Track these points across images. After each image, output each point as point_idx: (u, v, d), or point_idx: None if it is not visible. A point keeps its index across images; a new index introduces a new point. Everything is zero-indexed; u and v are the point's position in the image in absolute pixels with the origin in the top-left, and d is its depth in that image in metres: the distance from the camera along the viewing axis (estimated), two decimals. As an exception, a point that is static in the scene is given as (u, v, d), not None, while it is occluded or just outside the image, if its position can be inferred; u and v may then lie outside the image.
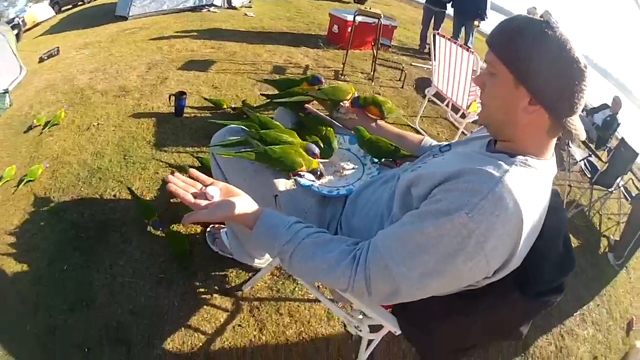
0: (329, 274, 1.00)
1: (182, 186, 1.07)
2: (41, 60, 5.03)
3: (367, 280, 0.95)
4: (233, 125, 1.61)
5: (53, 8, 7.97)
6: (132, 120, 3.19)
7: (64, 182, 2.47)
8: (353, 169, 1.67)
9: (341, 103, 1.81)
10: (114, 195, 2.38)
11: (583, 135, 1.00)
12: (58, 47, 5.29)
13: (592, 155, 4.77)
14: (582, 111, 4.58)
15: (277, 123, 1.68)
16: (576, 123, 0.97)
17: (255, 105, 3.56)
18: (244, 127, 1.58)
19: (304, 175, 1.53)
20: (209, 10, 7.75)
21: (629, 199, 4.51)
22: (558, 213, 1.12)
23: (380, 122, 1.77)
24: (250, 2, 9.32)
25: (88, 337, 1.69)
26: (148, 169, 2.63)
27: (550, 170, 1.04)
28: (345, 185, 1.55)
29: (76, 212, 2.25)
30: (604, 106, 6.58)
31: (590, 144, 5.90)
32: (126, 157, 2.72)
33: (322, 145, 1.67)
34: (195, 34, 5.98)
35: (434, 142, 1.62)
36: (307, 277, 1.26)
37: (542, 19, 0.94)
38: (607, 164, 4.40)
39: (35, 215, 2.23)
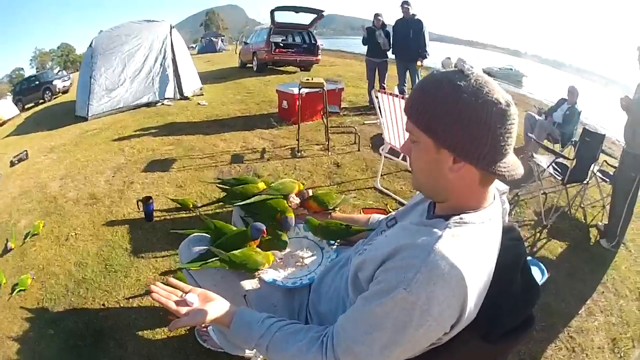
0: None
1: (164, 294, 1.17)
2: (12, 164, 5.40)
3: None
4: (194, 235, 1.74)
5: (16, 105, 8.37)
6: (106, 229, 3.49)
7: (53, 292, 2.71)
8: (312, 255, 1.75)
9: (291, 198, 1.92)
10: (103, 305, 2.58)
11: (519, 174, 1.00)
12: (26, 151, 5.67)
13: (559, 157, 4.64)
14: (541, 114, 5.38)
15: (231, 226, 1.79)
16: (509, 164, 0.98)
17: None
18: (204, 235, 1.72)
19: (267, 272, 1.62)
20: (162, 104, 8.13)
21: (608, 180, 4.35)
22: (514, 249, 1.14)
23: (334, 215, 1.87)
24: (201, 89, 9.80)
25: None
26: (130, 276, 2.83)
27: (494, 214, 1.06)
28: (307, 274, 1.62)
29: (71, 321, 2.46)
30: (561, 102, 6.10)
31: (555, 145, 5.81)
32: (107, 267, 2.95)
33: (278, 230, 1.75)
34: (153, 130, 6.34)
35: (382, 217, 1.67)
36: None
37: (455, 69, 0.97)
38: (575, 160, 4.16)
39: (33, 324, 2.46)
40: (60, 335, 2.39)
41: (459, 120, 0.91)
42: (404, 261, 0.93)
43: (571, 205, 4.35)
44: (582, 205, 4.48)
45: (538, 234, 3.88)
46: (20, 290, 2.73)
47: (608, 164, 4.66)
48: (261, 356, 1.96)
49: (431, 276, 0.88)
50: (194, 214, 3.74)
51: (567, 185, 4.19)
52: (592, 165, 4.31)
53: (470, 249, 0.95)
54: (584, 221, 4.32)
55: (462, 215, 1.00)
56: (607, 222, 3.97)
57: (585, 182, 4.26)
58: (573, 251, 3.67)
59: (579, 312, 2.83)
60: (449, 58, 10.53)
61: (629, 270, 3.48)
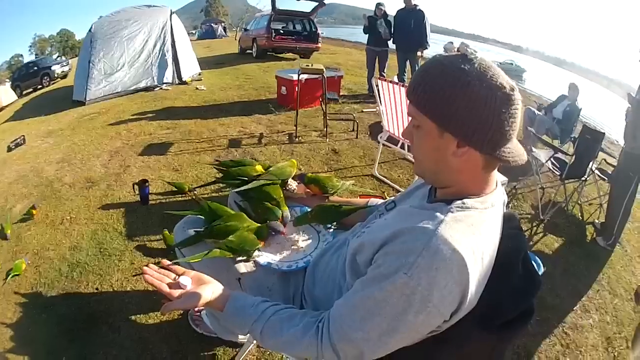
0: (297, 346, 1.05)
1: (158, 277, 1.16)
2: (9, 149, 5.38)
3: (333, 348, 0.99)
4: (189, 216, 1.71)
5: (15, 90, 8.37)
6: (102, 212, 3.48)
7: (47, 277, 2.70)
8: (309, 239, 1.72)
9: (289, 181, 1.92)
10: (96, 289, 2.58)
11: (523, 160, 0.99)
12: (24, 136, 5.64)
13: (558, 152, 4.65)
14: (541, 110, 5.37)
15: (226, 208, 1.75)
16: (513, 149, 0.97)
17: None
18: (200, 217, 1.69)
19: (262, 255, 1.58)
20: (161, 89, 8.11)
21: (606, 179, 4.39)
22: (515, 238, 1.12)
23: (332, 198, 1.86)
24: (200, 74, 9.74)
25: None
26: (124, 260, 2.83)
27: (496, 201, 1.05)
28: (303, 257, 1.59)
29: (64, 305, 2.45)
30: (561, 98, 6.25)
31: (554, 141, 5.75)
32: (102, 250, 2.95)
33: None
34: (150, 115, 6.31)
35: (380, 201, 1.67)
36: (279, 350, 1.30)
37: (458, 52, 0.95)
38: (574, 156, 4.19)
39: (27, 309, 2.45)
40: (54, 319, 2.38)
41: (463, 103, 0.90)
42: (405, 245, 0.91)
43: (568, 201, 4.34)
44: (579, 202, 4.47)
45: (535, 228, 3.89)
46: (14, 275, 2.72)
47: (607, 162, 4.68)
48: (254, 341, 1.97)
49: (433, 261, 0.86)
50: (189, 197, 3.73)
51: (565, 181, 4.19)
52: (591, 163, 4.32)
53: (473, 234, 0.92)
54: (580, 218, 4.32)
55: (464, 200, 0.98)
56: (603, 221, 3.99)
57: (583, 178, 4.25)
58: (569, 247, 3.67)
59: (574, 309, 2.84)
60: (451, 42, 10.41)
61: (624, 269, 3.49)
